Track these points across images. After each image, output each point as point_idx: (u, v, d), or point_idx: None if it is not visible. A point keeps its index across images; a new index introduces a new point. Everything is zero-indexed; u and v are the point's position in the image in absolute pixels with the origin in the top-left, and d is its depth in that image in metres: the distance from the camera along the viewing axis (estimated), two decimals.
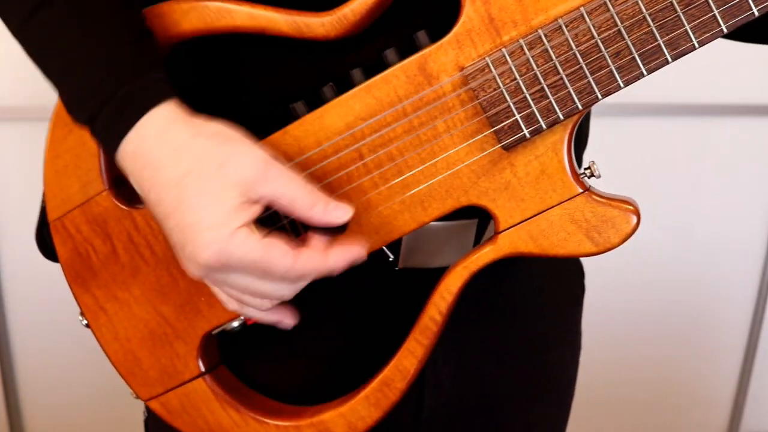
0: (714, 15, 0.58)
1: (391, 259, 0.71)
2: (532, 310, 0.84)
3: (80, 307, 0.76)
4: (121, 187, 0.74)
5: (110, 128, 0.60)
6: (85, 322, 0.76)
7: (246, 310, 0.66)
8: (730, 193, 1.73)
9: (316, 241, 0.62)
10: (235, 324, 0.72)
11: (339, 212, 0.62)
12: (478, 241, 0.76)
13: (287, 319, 0.68)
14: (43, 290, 1.64)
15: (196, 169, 0.58)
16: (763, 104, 1.63)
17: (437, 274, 0.73)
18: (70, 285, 0.75)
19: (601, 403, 1.79)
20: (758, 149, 1.69)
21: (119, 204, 0.72)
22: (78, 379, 1.74)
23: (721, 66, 1.46)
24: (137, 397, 0.76)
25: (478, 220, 0.73)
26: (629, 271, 1.64)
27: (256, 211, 0.60)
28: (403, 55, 0.65)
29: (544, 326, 0.85)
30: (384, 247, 0.69)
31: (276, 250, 0.59)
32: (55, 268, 1.62)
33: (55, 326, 1.68)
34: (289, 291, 0.62)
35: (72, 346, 1.69)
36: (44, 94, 1.44)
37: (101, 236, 0.73)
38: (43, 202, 0.75)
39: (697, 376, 1.86)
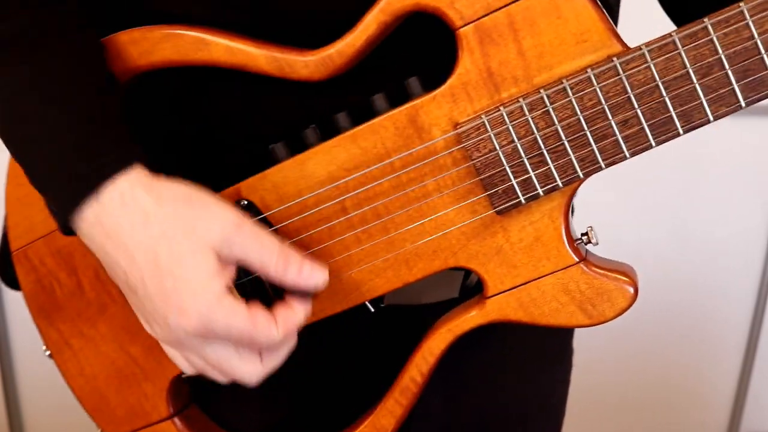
0: (733, 88, 0.54)
1: (372, 311, 0.68)
2: (523, 331, 0.81)
3: (44, 341, 0.72)
4: None
5: (67, 196, 0.56)
6: (48, 353, 0.73)
7: (207, 375, 0.62)
8: (730, 193, 1.70)
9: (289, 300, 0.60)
10: None
11: (314, 275, 0.58)
12: (466, 278, 0.72)
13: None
14: None
15: (166, 236, 0.55)
16: (763, 104, 1.59)
17: (423, 309, 0.70)
18: (33, 317, 0.72)
19: (601, 403, 1.79)
20: (758, 149, 1.65)
21: None
22: None
23: None
24: None
25: None
26: None
27: (231, 272, 0.57)
28: (393, 101, 0.60)
29: (535, 347, 0.82)
30: (367, 302, 0.65)
31: (260, 318, 0.56)
32: None
33: None
34: (258, 374, 0.60)
35: None
36: None
37: (66, 270, 0.69)
38: (5, 229, 0.70)
39: (697, 376, 1.86)
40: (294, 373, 0.73)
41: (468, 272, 0.72)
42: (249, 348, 0.58)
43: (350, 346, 0.74)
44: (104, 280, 0.68)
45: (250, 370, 0.59)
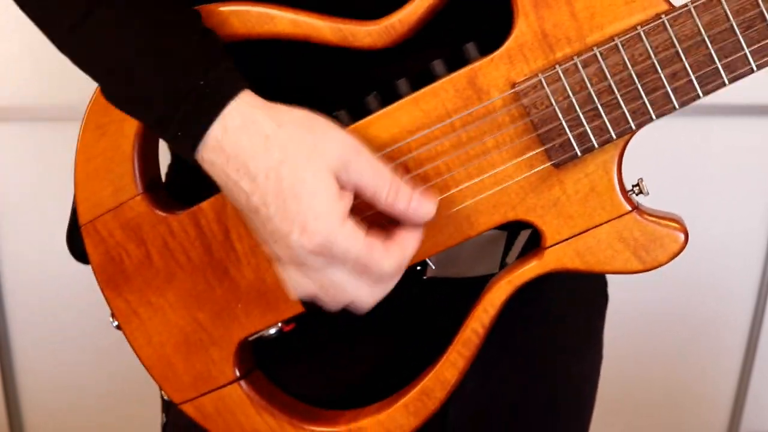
0: None
1: (428, 268, 0.71)
2: (557, 321, 0.84)
3: (112, 311, 0.75)
4: (155, 192, 0.73)
5: (189, 124, 0.58)
6: (116, 323, 0.75)
7: (319, 299, 0.64)
8: (730, 193, 1.72)
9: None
10: (272, 331, 0.72)
11: (423, 207, 0.61)
12: (506, 254, 0.75)
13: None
14: (43, 290, 1.62)
15: (288, 159, 0.57)
16: (763, 104, 1.63)
17: (463, 283, 0.73)
18: (102, 288, 0.74)
19: (601, 403, 1.80)
20: (758, 149, 1.68)
21: (155, 209, 0.71)
22: (78, 380, 1.73)
23: None
24: (170, 400, 0.76)
25: (507, 233, 0.72)
26: None
27: (350, 198, 0.59)
28: (451, 66, 0.64)
29: (568, 336, 0.85)
30: (427, 260, 0.68)
31: (377, 249, 0.59)
32: (56, 268, 1.60)
33: (56, 326, 1.67)
34: (371, 298, 0.61)
35: (72, 346, 1.68)
36: (44, 94, 1.42)
37: (135, 241, 0.72)
38: (74, 204, 0.73)
39: (697, 376, 1.88)
40: (348, 342, 0.77)
41: (507, 249, 0.75)
42: (362, 275, 0.59)
43: (397, 317, 0.77)
44: (173, 249, 0.71)
45: (362, 295, 0.60)
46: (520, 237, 0.74)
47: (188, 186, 0.70)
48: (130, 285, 0.73)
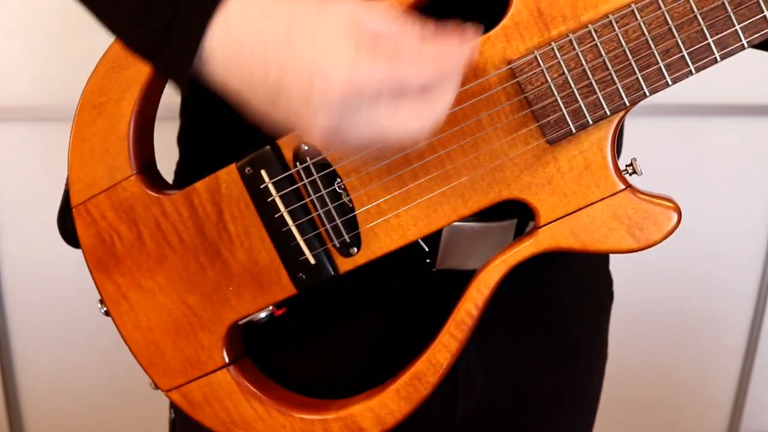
0: (765, 16, 0.59)
1: (427, 252, 0.71)
2: (564, 317, 0.83)
3: (101, 295, 0.74)
4: (149, 172, 0.73)
5: (191, 23, 0.55)
6: (104, 309, 0.74)
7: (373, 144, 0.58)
8: (730, 193, 1.73)
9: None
10: (263, 315, 0.71)
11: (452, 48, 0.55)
12: None
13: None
14: (43, 290, 1.61)
15: (297, 17, 0.54)
16: (763, 104, 1.64)
17: (472, 275, 0.72)
18: (91, 271, 0.73)
19: (601, 402, 1.79)
20: (758, 149, 1.69)
21: (148, 190, 0.70)
22: (78, 380, 1.70)
23: (721, 66, 1.46)
24: (156, 387, 0.75)
25: (517, 221, 0.72)
26: (628, 271, 1.63)
27: (365, 36, 0.53)
28: None
29: (574, 334, 0.85)
30: (420, 240, 0.68)
31: (406, 60, 0.53)
32: (56, 268, 1.59)
33: (56, 326, 1.65)
34: (424, 118, 0.55)
35: (73, 346, 1.66)
36: (44, 94, 1.43)
37: (127, 222, 0.71)
38: (67, 186, 0.73)
39: (697, 377, 1.87)
40: (340, 331, 0.76)
41: (517, 237, 0.75)
42: (400, 97, 0.54)
43: (400, 306, 0.76)
44: (165, 230, 0.71)
45: (412, 121, 0.55)
46: (530, 226, 0.74)
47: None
48: (121, 268, 0.73)
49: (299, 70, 0.53)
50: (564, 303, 0.83)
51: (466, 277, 0.70)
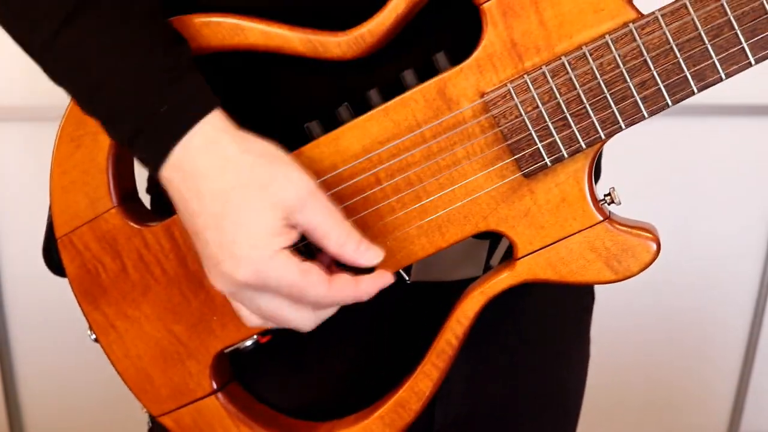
0: (743, 47, 0.57)
1: (407, 280, 0.71)
2: (543, 319, 0.83)
3: (89, 324, 0.75)
4: (131, 204, 0.73)
5: (155, 142, 0.58)
6: (93, 336, 0.75)
7: (269, 324, 0.65)
8: (730, 193, 1.72)
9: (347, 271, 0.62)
10: (249, 343, 0.72)
11: (369, 254, 0.61)
12: (490, 256, 0.75)
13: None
14: (43, 291, 1.63)
15: (241, 185, 0.57)
16: (763, 104, 1.62)
17: (448, 287, 0.72)
18: (78, 301, 0.74)
19: (601, 403, 1.80)
20: (758, 149, 1.67)
21: (129, 222, 0.71)
22: (78, 380, 1.73)
23: None
24: (148, 412, 0.76)
25: (490, 241, 0.72)
26: None
27: (294, 236, 0.59)
28: (422, 76, 0.64)
29: (555, 336, 0.85)
30: (401, 270, 0.68)
31: (313, 276, 0.59)
32: None
33: (56, 327, 1.67)
34: (312, 322, 0.62)
35: (72, 347, 1.69)
36: (44, 94, 1.42)
37: (110, 254, 0.72)
38: (50, 217, 0.73)
39: (697, 377, 1.87)
40: (327, 351, 0.77)
41: (491, 251, 0.75)
42: (299, 301, 0.60)
43: (379, 323, 0.77)
44: (148, 261, 0.71)
45: (305, 320, 0.61)
46: (504, 240, 0.74)
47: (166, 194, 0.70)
48: (107, 298, 0.73)
49: (219, 238, 0.57)
50: (544, 310, 0.83)
51: (441, 289, 0.71)
